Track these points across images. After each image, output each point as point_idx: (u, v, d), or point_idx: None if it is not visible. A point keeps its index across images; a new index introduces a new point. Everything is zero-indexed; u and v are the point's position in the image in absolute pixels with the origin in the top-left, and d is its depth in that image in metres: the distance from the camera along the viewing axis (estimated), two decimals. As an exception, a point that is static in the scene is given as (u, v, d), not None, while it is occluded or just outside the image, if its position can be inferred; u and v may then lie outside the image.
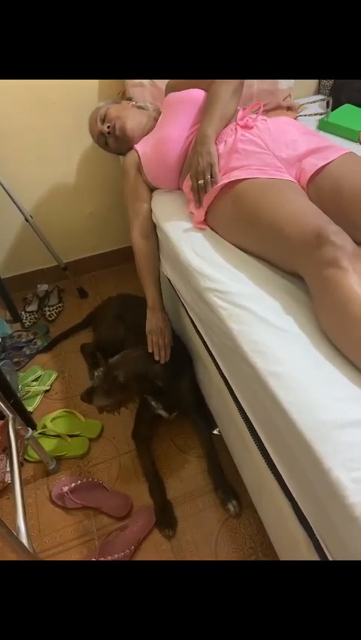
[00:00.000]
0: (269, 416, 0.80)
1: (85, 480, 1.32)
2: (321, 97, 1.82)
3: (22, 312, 1.95)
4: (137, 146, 1.32)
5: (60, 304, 2.00)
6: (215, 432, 1.38)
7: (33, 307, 1.98)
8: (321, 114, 1.68)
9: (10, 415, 1.08)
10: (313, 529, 0.73)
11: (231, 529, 1.20)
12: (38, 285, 2.06)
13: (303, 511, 0.75)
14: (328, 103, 1.66)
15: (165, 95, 1.41)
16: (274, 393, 0.74)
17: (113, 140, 1.34)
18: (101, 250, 2.15)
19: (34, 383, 1.66)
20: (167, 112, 1.30)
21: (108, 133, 1.31)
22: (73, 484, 1.29)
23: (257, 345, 0.82)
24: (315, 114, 1.68)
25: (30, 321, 1.93)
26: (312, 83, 1.88)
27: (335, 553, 0.69)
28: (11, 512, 0.91)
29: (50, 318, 1.94)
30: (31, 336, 1.83)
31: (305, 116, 1.68)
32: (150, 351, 1.27)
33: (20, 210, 1.69)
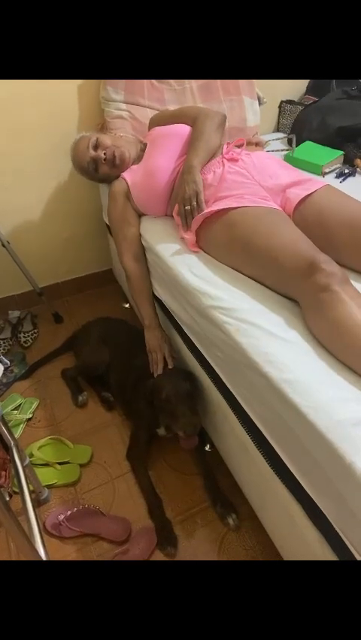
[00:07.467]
0: (283, 423, 0.85)
1: (80, 507, 1.28)
2: (281, 135, 2.01)
3: (-5, 340, 1.89)
4: (125, 175, 1.39)
5: (35, 330, 1.97)
6: (207, 448, 1.41)
7: (6, 334, 1.93)
8: (283, 150, 1.85)
9: (13, 442, 1.04)
10: (334, 524, 0.79)
11: (232, 542, 1.22)
12: (9, 312, 2.02)
13: (323, 510, 0.80)
14: (290, 140, 1.84)
15: (149, 129, 1.49)
16: (290, 398, 0.80)
17: (107, 167, 1.38)
18: (75, 275, 2.16)
19: (15, 412, 1.61)
20: (154, 144, 1.38)
21: (104, 160, 1.36)
22: (69, 512, 1.26)
23: (268, 355, 0.88)
24: (280, 150, 1.84)
25: (4, 349, 1.87)
26: (272, 122, 2.07)
27: (357, 544, 0.75)
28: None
29: (26, 345, 1.90)
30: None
31: (271, 151, 1.84)
32: (151, 370, 1.29)
33: (-3, 236, 1.68)
